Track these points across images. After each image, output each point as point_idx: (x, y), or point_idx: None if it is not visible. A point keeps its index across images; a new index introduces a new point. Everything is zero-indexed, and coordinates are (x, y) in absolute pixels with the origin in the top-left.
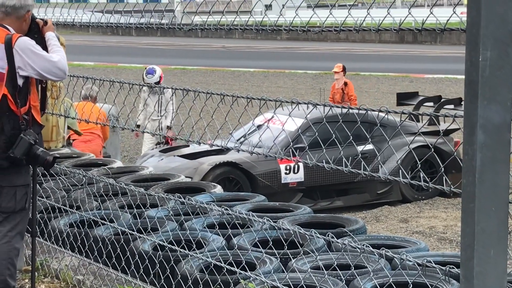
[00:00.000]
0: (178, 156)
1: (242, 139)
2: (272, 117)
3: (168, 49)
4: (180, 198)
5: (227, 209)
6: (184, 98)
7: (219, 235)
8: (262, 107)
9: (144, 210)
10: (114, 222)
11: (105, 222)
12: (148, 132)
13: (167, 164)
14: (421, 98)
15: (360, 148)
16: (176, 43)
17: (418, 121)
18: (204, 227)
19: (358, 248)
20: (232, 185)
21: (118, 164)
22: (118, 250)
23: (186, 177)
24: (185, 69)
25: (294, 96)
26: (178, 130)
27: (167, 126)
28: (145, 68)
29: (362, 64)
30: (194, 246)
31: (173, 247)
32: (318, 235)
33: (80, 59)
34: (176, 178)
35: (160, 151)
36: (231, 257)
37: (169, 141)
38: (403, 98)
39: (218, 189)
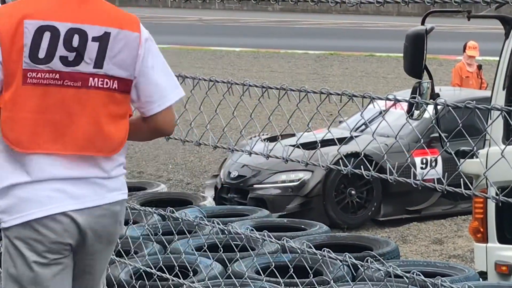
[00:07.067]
0: (290, 146)
1: (363, 126)
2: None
3: None
4: (161, 212)
5: (224, 226)
6: None
7: (211, 260)
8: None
9: None
10: None
11: None
12: None
13: None
14: None
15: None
16: (138, 14)
17: None
18: (192, 250)
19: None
20: (356, 179)
21: None
22: None
23: (303, 170)
24: None
25: (293, 82)
26: None
27: None
28: None
29: (377, 42)
30: (179, 274)
31: (155, 273)
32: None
33: None
34: (155, 188)
35: (264, 139)
36: None
37: None
38: None
39: (209, 201)
